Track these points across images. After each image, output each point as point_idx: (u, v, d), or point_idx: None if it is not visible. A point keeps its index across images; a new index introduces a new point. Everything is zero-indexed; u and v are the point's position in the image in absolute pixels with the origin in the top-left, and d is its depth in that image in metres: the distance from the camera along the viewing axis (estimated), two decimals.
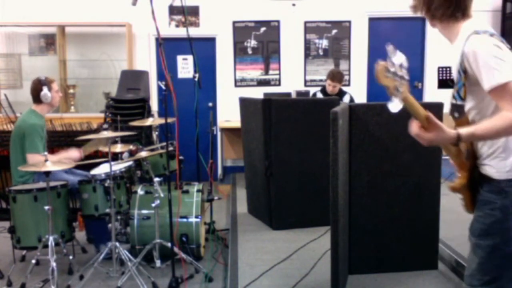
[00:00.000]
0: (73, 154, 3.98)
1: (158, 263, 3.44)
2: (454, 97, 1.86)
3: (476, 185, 1.89)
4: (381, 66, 1.55)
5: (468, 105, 1.84)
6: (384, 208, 3.15)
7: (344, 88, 5.61)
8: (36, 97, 3.84)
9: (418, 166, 3.14)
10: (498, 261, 1.83)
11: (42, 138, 3.80)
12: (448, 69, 6.34)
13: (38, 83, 3.84)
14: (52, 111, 4.14)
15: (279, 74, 6.87)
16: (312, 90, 6.47)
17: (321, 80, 6.78)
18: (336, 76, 5.34)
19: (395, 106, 1.57)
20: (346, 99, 5.35)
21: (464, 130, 1.69)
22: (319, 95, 5.45)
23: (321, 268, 3.26)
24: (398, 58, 1.58)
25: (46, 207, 3.27)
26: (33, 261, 3.35)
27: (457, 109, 1.85)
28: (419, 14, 1.92)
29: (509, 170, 1.78)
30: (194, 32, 6.22)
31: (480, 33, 1.72)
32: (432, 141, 1.69)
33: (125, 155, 3.77)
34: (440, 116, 3.15)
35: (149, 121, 3.89)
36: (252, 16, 6.74)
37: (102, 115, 5.63)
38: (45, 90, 3.81)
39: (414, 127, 1.69)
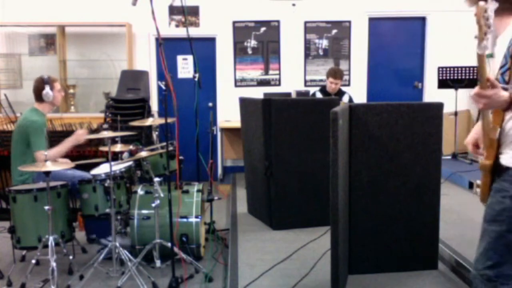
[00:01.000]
0: (79, 133, 3.98)
1: (158, 263, 3.44)
2: (497, 80, 1.91)
3: (497, 173, 1.95)
4: (482, 6, 1.64)
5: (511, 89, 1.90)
6: (384, 208, 3.15)
7: (343, 88, 5.62)
8: (38, 96, 3.86)
9: (418, 166, 3.14)
10: (502, 248, 1.89)
11: (44, 135, 3.80)
12: (448, 69, 6.34)
13: (41, 82, 3.87)
14: (53, 110, 4.15)
15: (279, 74, 6.87)
16: (312, 90, 6.48)
17: (321, 80, 6.79)
18: (338, 73, 5.35)
19: (482, 48, 1.68)
20: (345, 99, 5.35)
21: None
22: (319, 95, 5.45)
23: (321, 268, 3.26)
24: (492, 6, 1.66)
25: (46, 207, 3.27)
26: (33, 261, 3.35)
27: None
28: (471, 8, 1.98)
29: None
30: (194, 32, 6.22)
31: None
32: (490, 97, 1.73)
33: (125, 155, 3.77)
34: (440, 116, 3.15)
35: (149, 121, 3.89)
36: (252, 16, 6.74)
37: (102, 115, 5.64)
38: (47, 88, 3.82)
39: (475, 89, 1.77)
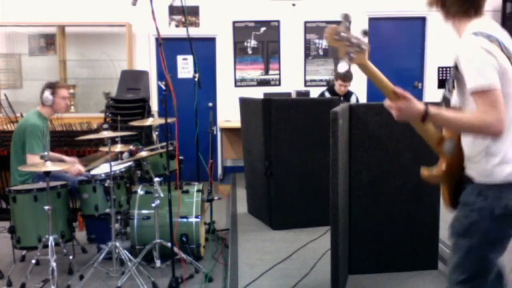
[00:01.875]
0: (76, 168, 3.85)
1: (158, 263, 3.44)
2: (446, 88, 1.92)
3: (458, 182, 1.94)
4: (331, 28, 1.66)
5: (453, 99, 1.89)
6: (384, 208, 3.15)
7: (350, 88, 5.62)
8: (40, 98, 3.87)
9: (418, 166, 3.13)
10: (474, 262, 1.87)
11: (41, 139, 3.80)
12: (448, 69, 6.34)
13: (45, 85, 3.90)
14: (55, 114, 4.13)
15: (279, 74, 6.87)
16: (312, 90, 6.48)
17: (321, 80, 6.79)
18: (347, 76, 5.37)
19: (341, 66, 1.73)
20: (353, 99, 5.39)
21: (433, 108, 1.72)
22: (327, 95, 5.44)
23: (321, 268, 3.27)
24: (349, 26, 1.69)
25: (46, 207, 3.27)
26: (33, 261, 3.34)
27: (445, 101, 1.91)
28: (433, 10, 1.96)
29: (488, 175, 1.81)
30: (194, 32, 6.22)
31: (478, 35, 1.74)
32: (401, 109, 1.72)
33: (125, 155, 3.77)
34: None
35: (149, 121, 3.89)
36: (252, 16, 6.74)
37: (102, 115, 5.64)
38: (47, 93, 3.83)
39: (386, 101, 1.76)
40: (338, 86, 5.34)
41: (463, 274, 1.89)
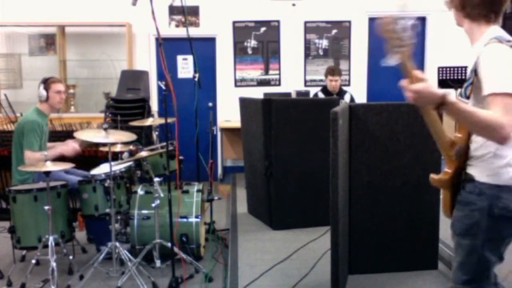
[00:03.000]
0: (70, 146, 3.87)
1: (158, 263, 3.43)
2: (460, 94, 1.89)
3: (458, 186, 1.93)
4: (388, 18, 1.58)
5: (470, 104, 1.85)
6: (384, 208, 3.16)
7: (344, 88, 5.62)
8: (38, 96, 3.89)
9: (418, 166, 3.15)
10: (476, 261, 1.88)
11: (40, 135, 3.79)
12: (448, 69, 6.34)
13: (40, 82, 3.88)
14: (55, 111, 4.13)
15: (279, 74, 6.87)
16: (312, 90, 6.47)
17: (321, 80, 6.78)
18: (335, 70, 5.37)
19: (390, 61, 1.62)
20: (346, 98, 5.36)
21: (451, 97, 1.65)
22: (321, 95, 5.45)
23: (321, 268, 3.26)
24: (409, 20, 1.61)
25: (46, 207, 3.27)
26: (33, 261, 3.35)
27: None
28: (452, 11, 1.96)
29: (490, 174, 1.82)
30: (194, 32, 6.22)
31: (503, 42, 1.75)
32: (419, 91, 1.62)
33: (125, 155, 3.76)
34: (440, 116, 3.15)
35: (149, 121, 3.89)
36: (252, 16, 6.74)
37: (102, 115, 5.64)
38: (40, 88, 3.83)
39: (402, 81, 1.68)
40: (329, 83, 5.34)
41: (466, 275, 1.91)
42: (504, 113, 1.61)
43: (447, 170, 1.95)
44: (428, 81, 1.65)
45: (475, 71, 1.78)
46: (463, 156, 1.90)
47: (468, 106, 1.71)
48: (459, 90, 1.92)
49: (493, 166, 1.81)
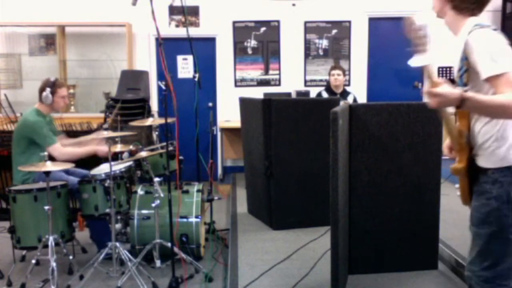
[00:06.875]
0: (106, 148, 3.91)
1: (158, 263, 3.44)
2: (458, 83, 1.94)
3: (475, 174, 1.96)
4: (412, 18, 1.64)
5: (470, 91, 1.89)
6: (384, 208, 3.15)
7: (348, 88, 5.61)
8: (40, 96, 3.87)
9: (418, 166, 3.14)
10: (497, 248, 1.91)
11: (47, 129, 3.79)
12: (448, 69, 6.34)
13: (45, 83, 3.89)
14: (55, 112, 4.11)
15: (279, 74, 6.87)
16: (312, 90, 6.48)
17: (321, 80, 6.79)
18: (337, 65, 5.36)
19: (418, 61, 1.65)
20: (350, 99, 5.36)
21: (469, 93, 1.72)
22: (324, 94, 5.43)
23: (321, 268, 3.26)
24: (423, 19, 1.66)
25: (46, 207, 3.27)
26: (33, 261, 3.35)
27: None
28: (434, 2, 2.01)
29: (502, 158, 1.86)
30: (194, 32, 6.21)
31: (484, 27, 1.82)
32: (440, 95, 1.67)
33: (125, 155, 3.77)
34: (439, 115, 3.15)
35: (149, 121, 3.89)
36: (252, 16, 6.74)
37: (102, 115, 5.63)
38: (47, 91, 3.82)
39: (426, 86, 1.74)
40: (331, 78, 5.33)
41: (485, 261, 1.93)
42: None
43: (460, 158, 1.98)
44: (444, 84, 1.71)
45: (466, 59, 1.84)
46: (471, 142, 1.95)
47: (484, 96, 1.75)
48: (459, 80, 1.97)
49: (499, 150, 1.85)
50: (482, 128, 1.90)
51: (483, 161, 1.91)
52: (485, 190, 1.90)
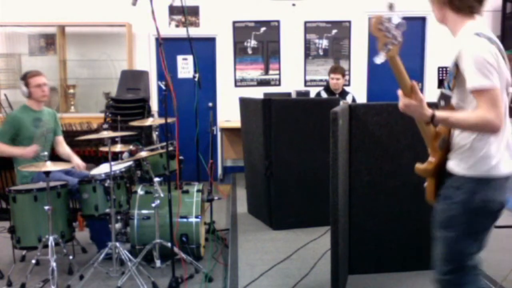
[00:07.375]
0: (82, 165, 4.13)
1: (158, 263, 3.44)
2: (444, 86, 1.97)
3: (442, 177, 1.99)
4: (377, 18, 1.69)
5: (454, 97, 1.94)
6: (384, 208, 3.15)
7: (347, 88, 5.61)
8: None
9: None
10: (457, 253, 1.93)
11: (15, 128, 3.78)
12: (448, 69, 6.35)
13: (19, 79, 3.95)
14: (44, 105, 4.05)
15: (279, 74, 6.87)
16: (312, 90, 6.47)
17: (321, 80, 6.79)
18: (338, 68, 5.35)
19: (379, 59, 1.74)
20: (349, 99, 5.35)
21: (439, 113, 1.81)
22: (323, 94, 5.43)
23: (321, 268, 3.27)
24: (396, 19, 1.70)
25: (46, 207, 3.27)
26: (33, 261, 3.35)
27: (444, 98, 1.97)
28: (433, 3, 2.01)
29: (469, 167, 1.87)
30: (194, 32, 6.22)
31: (481, 36, 1.80)
32: (409, 106, 1.82)
33: (125, 155, 3.77)
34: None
35: (149, 121, 3.89)
36: (252, 16, 6.74)
37: (102, 115, 5.64)
38: (21, 85, 3.86)
39: (399, 91, 1.84)
40: (331, 81, 5.33)
41: (448, 266, 1.96)
42: (488, 109, 1.72)
43: (431, 160, 2.02)
44: (420, 99, 1.79)
45: (457, 65, 1.85)
46: (446, 145, 1.97)
47: (455, 115, 1.81)
48: (445, 83, 2.01)
49: (469, 159, 1.87)
50: (460, 134, 1.91)
51: (453, 166, 1.93)
52: (449, 194, 1.93)
